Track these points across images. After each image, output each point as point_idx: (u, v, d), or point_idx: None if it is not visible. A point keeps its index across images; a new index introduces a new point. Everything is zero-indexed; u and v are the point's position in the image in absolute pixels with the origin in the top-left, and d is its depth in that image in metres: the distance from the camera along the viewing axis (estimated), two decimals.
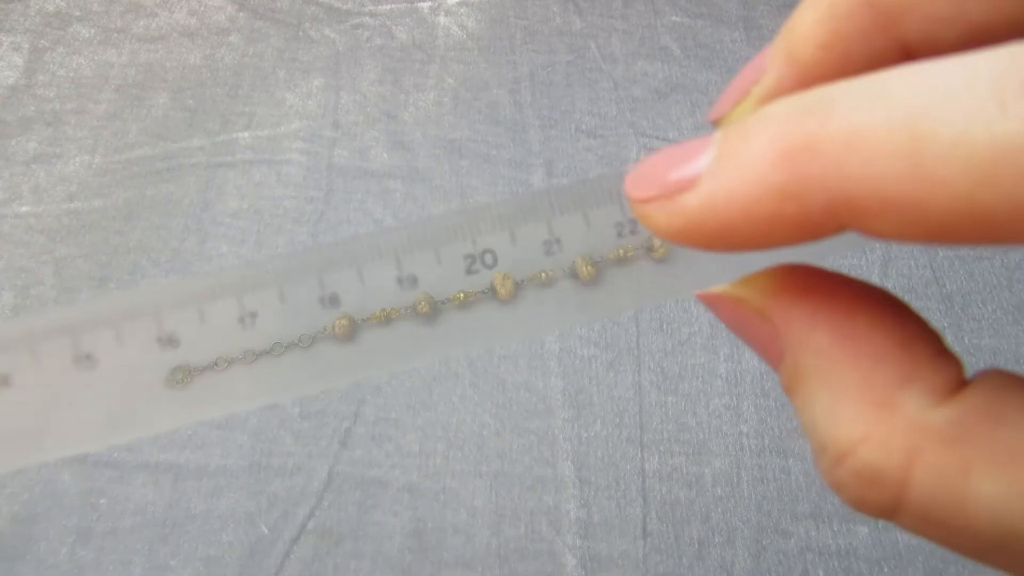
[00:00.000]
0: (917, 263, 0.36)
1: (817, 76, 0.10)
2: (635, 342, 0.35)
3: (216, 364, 0.36)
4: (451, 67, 0.44)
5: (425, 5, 0.47)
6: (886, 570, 0.30)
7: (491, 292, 0.40)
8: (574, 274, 0.40)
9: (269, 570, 0.30)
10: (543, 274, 0.41)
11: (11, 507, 0.31)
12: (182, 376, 0.36)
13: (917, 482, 0.09)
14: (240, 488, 0.32)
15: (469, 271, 0.18)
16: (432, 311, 0.39)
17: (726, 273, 0.17)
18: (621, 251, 0.38)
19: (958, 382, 0.09)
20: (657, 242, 0.38)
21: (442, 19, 0.46)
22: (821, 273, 0.11)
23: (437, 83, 0.44)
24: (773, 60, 0.11)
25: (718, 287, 0.12)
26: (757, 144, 0.09)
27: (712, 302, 0.12)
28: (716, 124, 0.12)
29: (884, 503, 0.10)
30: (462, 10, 0.47)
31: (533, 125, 0.42)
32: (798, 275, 0.11)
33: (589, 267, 0.41)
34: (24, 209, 0.39)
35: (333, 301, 0.18)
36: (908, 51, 0.10)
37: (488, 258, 0.18)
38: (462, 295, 0.40)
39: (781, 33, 0.11)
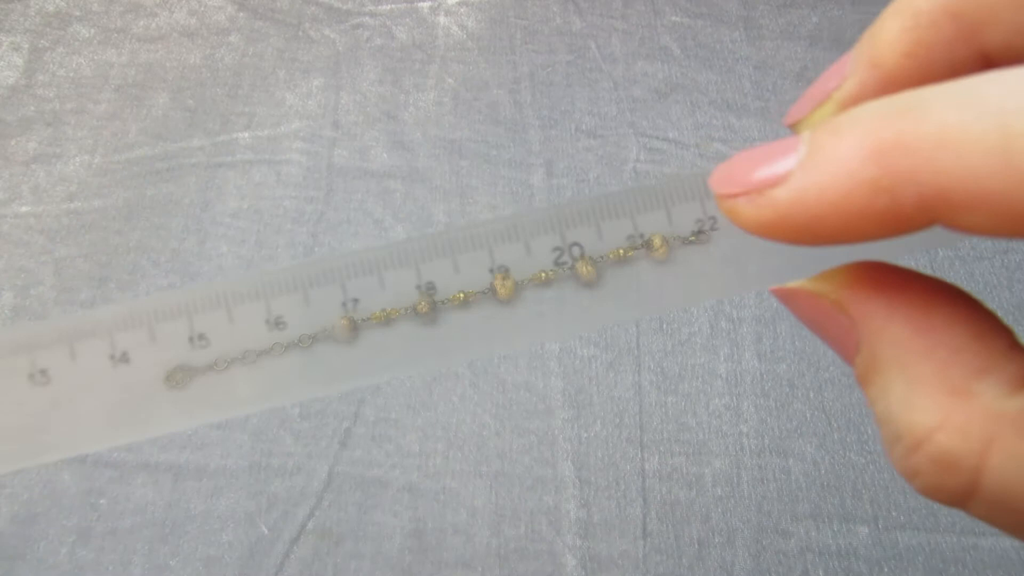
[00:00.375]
0: (917, 263, 0.36)
1: (900, 83, 0.10)
2: (635, 342, 0.35)
3: (216, 364, 0.36)
4: (451, 67, 0.44)
5: (425, 5, 0.47)
6: (886, 570, 0.30)
7: (491, 292, 0.40)
8: (574, 275, 0.39)
9: (269, 570, 0.30)
10: (543, 274, 0.40)
11: (11, 507, 0.31)
12: (181, 376, 0.35)
13: (993, 468, 0.09)
14: (240, 488, 0.32)
15: (557, 263, 0.18)
16: (432, 311, 0.39)
17: (726, 274, 0.17)
18: (621, 251, 0.38)
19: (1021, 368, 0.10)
20: (657, 242, 0.38)
21: (442, 19, 0.46)
22: (896, 269, 0.11)
23: (437, 83, 0.44)
24: (856, 66, 0.11)
25: (794, 282, 0.12)
26: (849, 142, 0.09)
27: (788, 296, 0.13)
28: (792, 128, 0.12)
29: (959, 489, 0.10)
30: (462, 10, 0.47)
31: (533, 125, 0.42)
32: (874, 271, 0.11)
33: (589, 267, 0.41)
34: (24, 209, 0.39)
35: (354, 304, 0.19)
36: (988, 60, 0.10)
37: (575, 250, 0.17)
38: (462, 295, 0.39)
39: (863, 41, 0.11)
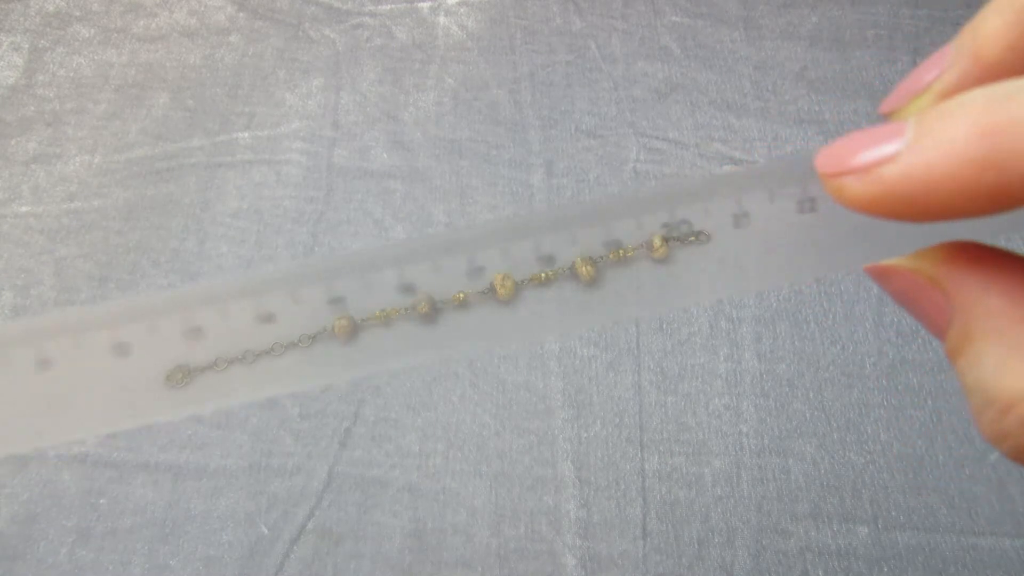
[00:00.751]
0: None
1: (1000, 74, 0.11)
2: (635, 342, 0.35)
3: (216, 364, 0.36)
4: (451, 67, 0.44)
5: (425, 5, 0.47)
6: (886, 570, 0.30)
7: (491, 292, 0.40)
8: (574, 275, 0.39)
9: (269, 570, 0.30)
10: (543, 274, 0.40)
11: (11, 507, 0.31)
12: (181, 376, 0.35)
13: None
14: (240, 488, 0.32)
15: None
16: (432, 311, 0.39)
17: (724, 273, 0.17)
18: (620, 251, 0.38)
19: None
20: (657, 242, 0.38)
21: (442, 19, 0.46)
22: (988, 248, 0.11)
23: (437, 83, 0.44)
24: (958, 58, 0.12)
25: (890, 260, 0.13)
26: (958, 123, 0.10)
27: (882, 273, 0.14)
28: (888, 116, 0.13)
29: (1007, 418, 0.10)
30: (462, 10, 0.47)
31: (533, 125, 0.42)
32: (967, 249, 0.12)
33: (589, 267, 0.41)
34: (24, 209, 0.39)
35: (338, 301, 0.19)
36: None
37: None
38: (462, 295, 0.39)
39: (964, 34, 0.12)
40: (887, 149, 0.10)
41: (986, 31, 0.11)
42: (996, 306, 0.11)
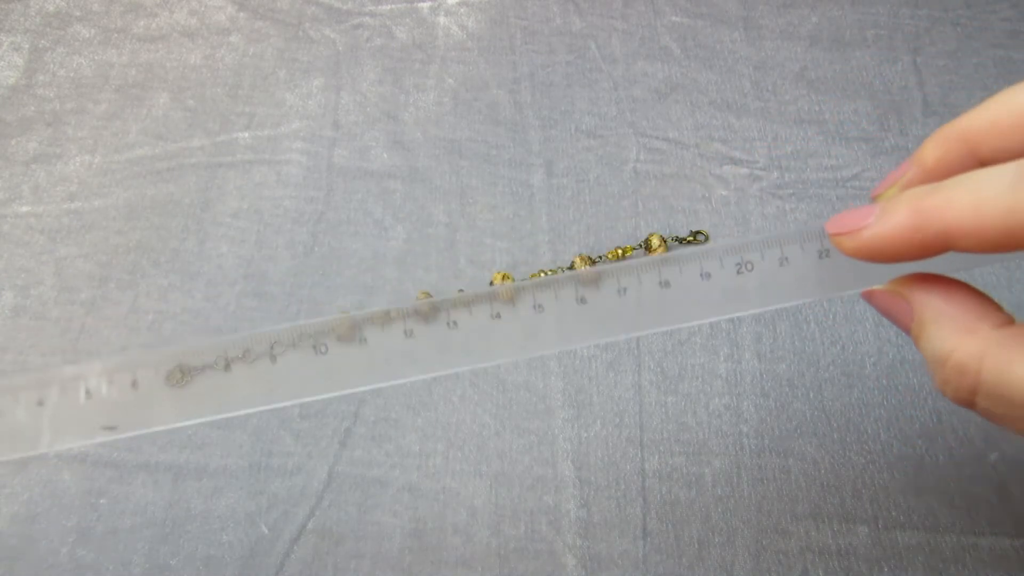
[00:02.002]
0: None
1: (934, 177, 0.19)
2: (635, 342, 0.35)
3: (216, 363, 0.36)
4: (451, 67, 0.44)
5: (425, 5, 0.47)
6: (886, 570, 0.30)
7: (491, 292, 0.40)
8: (574, 274, 0.39)
9: (269, 570, 0.30)
10: (543, 274, 0.41)
11: (11, 507, 0.31)
12: (181, 376, 0.36)
13: (986, 369, 0.17)
14: (240, 488, 0.32)
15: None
16: (432, 311, 0.39)
17: (725, 269, 0.22)
18: (619, 251, 0.39)
19: (1009, 320, 0.18)
20: (656, 242, 0.39)
21: (442, 19, 0.46)
22: (931, 274, 0.19)
23: (437, 83, 0.44)
24: (911, 166, 0.20)
25: (876, 287, 0.21)
26: (902, 207, 0.17)
27: (871, 295, 0.21)
28: (875, 198, 0.20)
29: (969, 387, 0.17)
30: (462, 10, 0.47)
31: (533, 125, 0.42)
32: (919, 276, 0.19)
33: (588, 267, 0.41)
34: (24, 209, 0.39)
35: None
36: (982, 162, 0.18)
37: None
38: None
39: (914, 155, 0.20)
40: (865, 221, 0.18)
41: (926, 152, 0.19)
42: (936, 304, 0.19)
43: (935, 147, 0.19)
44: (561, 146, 0.41)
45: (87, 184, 0.40)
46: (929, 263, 0.18)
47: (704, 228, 0.38)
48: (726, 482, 0.32)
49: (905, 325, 0.20)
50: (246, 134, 0.42)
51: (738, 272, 0.21)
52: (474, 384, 0.34)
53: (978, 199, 0.16)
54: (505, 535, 0.31)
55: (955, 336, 0.18)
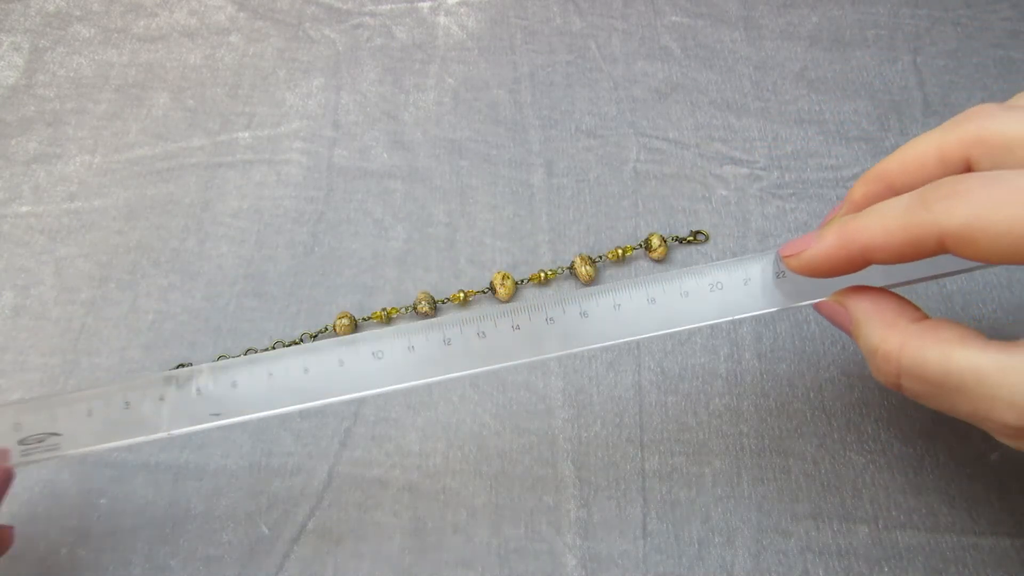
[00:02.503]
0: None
1: (860, 210, 0.23)
2: (635, 342, 0.35)
3: (217, 362, 0.36)
4: (451, 67, 0.44)
5: (425, 5, 0.47)
6: (886, 570, 0.30)
7: (490, 292, 0.40)
8: (573, 275, 0.40)
9: (269, 570, 0.30)
10: (542, 274, 0.41)
11: (11, 507, 0.31)
12: (182, 375, 0.36)
13: (904, 356, 0.21)
14: (240, 488, 0.32)
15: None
16: (432, 311, 0.39)
17: (721, 271, 0.27)
18: (619, 251, 0.39)
19: (923, 316, 0.22)
20: (656, 242, 0.39)
21: (442, 19, 0.46)
22: (862, 286, 0.24)
23: (437, 83, 0.44)
24: (844, 204, 0.24)
25: (823, 300, 0.25)
26: (832, 231, 0.22)
27: (818, 306, 0.26)
28: (823, 225, 0.24)
29: (894, 371, 0.22)
30: (462, 10, 0.47)
31: (533, 125, 0.42)
32: (853, 288, 0.24)
33: (588, 267, 0.41)
34: (24, 209, 0.39)
35: None
36: (898, 195, 0.22)
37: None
38: (462, 295, 0.40)
39: (847, 196, 0.24)
40: (807, 245, 0.23)
41: (855, 190, 0.24)
42: (866, 307, 0.23)
43: (861, 186, 0.24)
44: (561, 146, 0.41)
45: (87, 184, 0.40)
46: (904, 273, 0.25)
47: (704, 228, 0.38)
48: (726, 482, 0.32)
49: (846, 328, 0.24)
50: (246, 134, 0.42)
51: (711, 290, 0.26)
52: (474, 384, 0.34)
53: (884, 220, 0.21)
54: (505, 535, 0.31)
55: (881, 331, 0.22)
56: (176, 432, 0.25)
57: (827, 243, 0.22)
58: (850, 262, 0.22)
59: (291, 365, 0.25)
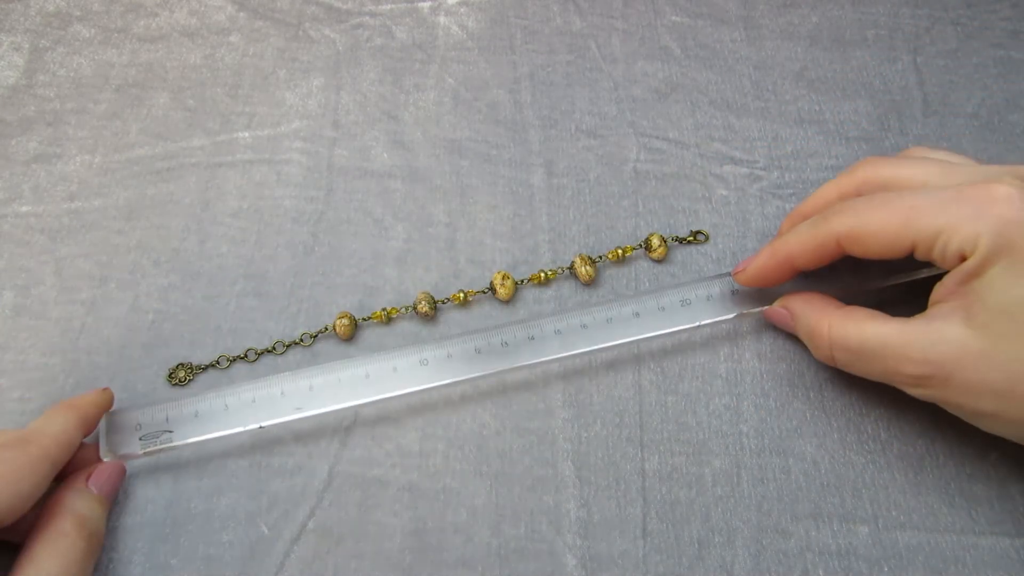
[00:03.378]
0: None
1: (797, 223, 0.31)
2: (635, 343, 0.35)
3: (218, 362, 0.36)
4: (451, 67, 0.44)
5: (425, 5, 0.47)
6: (886, 570, 0.30)
7: (491, 292, 0.40)
8: (573, 274, 0.40)
9: (269, 569, 0.30)
10: (542, 274, 0.41)
11: None
12: (184, 374, 0.36)
13: (832, 333, 0.29)
14: (240, 488, 0.32)
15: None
16: (432, 311, 0.39)
17: (688, 291, 0.34)
18: (619, 251, 0.40)
19: (843, 306, 0.30)
20: (656, 242, 0.39)
21: (442, 19, 0.46)
22: (799, 292, 0.33)
23: (437, 83, 0.44)
24: (781, 228, 0.35)
25: (769, 307, 0.33)
26: (764, 250, 0.31)
27: (768, 313, 0.34)
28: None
29: (827, 346, 0.30)
30: (462, 10, 0.47)
31: (533, 125, 0.42)
32: (792, 293, 0.33)
33: (588, 267, 0.41)
34: (24, 209, 0.39)
35: None
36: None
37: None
38: (462, 294, 0.40)
39: (778, 231, 0.35)
40: (749, 263, 0.32)
41: (783, 226, 0.34)
42: (801, 304, 0.32)
43: (787, 223, 0.34)
44: (561, 146, 0.41)
45: (87, 184, 0.40)
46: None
47: (704, 228, 0.38)
48: (726, 482, 0.32)
49: (789, 326, 0.33)
50: (246, 134, 0.42)
51: (681, 305, 0.34)
52: (474, 384, 0.34)
53: (799, 235, 0.30)
54: (505, 535, 0.31)
55: (814, 317, 0.30)
56: (266, 423, 0.31)
57: (762, 258, 0.31)
58: (779, 269, 0.31)
59: (356, 372, 0.32)
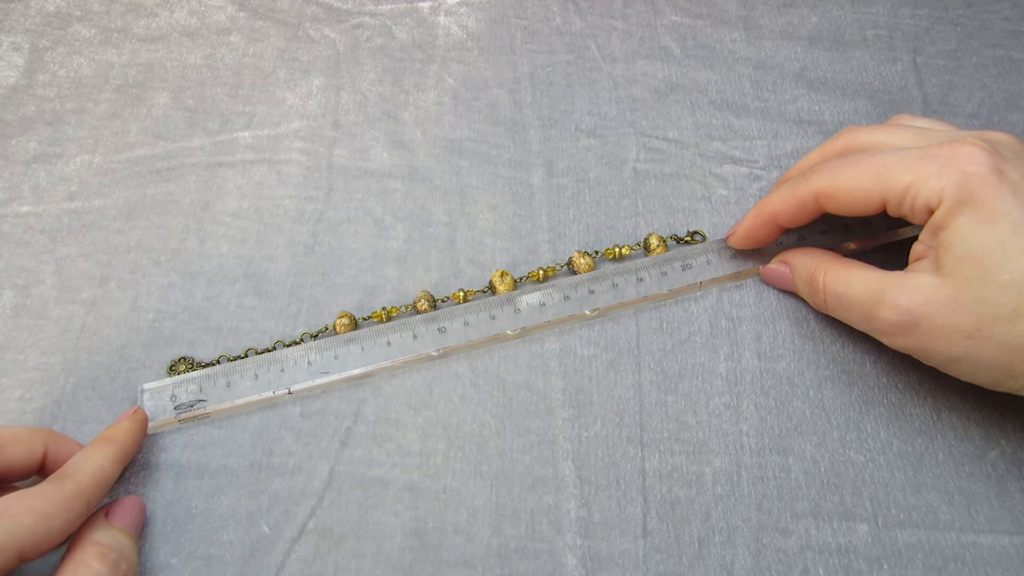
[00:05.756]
0: None
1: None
2: (635, 342, 0.35)
3: (218, 362, 0.36)
4: (451, 67, 0.44)
5: (425, 5, 0.47)
6: (886, 568, 0.30)
7: (490, 291, 0.40)
8: (571, 270, 0.40)
9: (270, 569, 0.30)
10: (541, 271, 0.41)
11: None
12: (185, 368, 0.36)
13: (827, 282, 0.32)
14: (241, 487, 0.32)
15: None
16: (432, 310, 0.39)
17: (690, 256, 0.37)
18: (617, 249, 0.40)
19: (837, 257, 0.33)
20: (655, 242, 0.39)
21: (442, 19, 0.46)
22: (797, 247, 0.35)
23: (437, 83, 0.44)
24: (769, 194, 0.34)
25: (767, 265, 0.36)
26: (750, 212, 0.34)
27: (766, 271, 0.36)
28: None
29: (821, 294, 0.33)
30: (462, 10, 0.47)
31: (533, 125, 0.42)
32: (788, 249, 0.35)
33: (585, 258, 0.41)
34: (24, 209, 0.39)
35: None
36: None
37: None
38: (462, 293, 0.40)
39: (770, 192, 0.35)
40: (738, 226, 0.35)
41: (777, 184, 0.36)
42: (798, 256, 0.34)
43: (773, 189, 0.35)
44: (561, 146, 0.41)
45: (87, 184, 0.40)
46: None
47: (704, 227, 0.38)
48: (726, 481, 0.32)
49: (787, 282, 0.35)
50: (246, 134, 0.42)
51: (683, 269, 0.36)
52: (474, 384, 0.34)
53: (781, 193, 0.32)
54: (505, 535, 0.31)
55: (811, 266, 0.33)
56: (296, 387, 0.33)
57: (749, 219, 0.34)
58: (765, 228, 0.33)
59: (378, 340, 0.34)
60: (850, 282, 0.31)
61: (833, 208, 0.30)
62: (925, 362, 0.30)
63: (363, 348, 0.34)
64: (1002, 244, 0.26)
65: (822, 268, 0.32)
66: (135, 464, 0.32)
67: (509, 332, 0.35)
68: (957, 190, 0.27)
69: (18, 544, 0.24)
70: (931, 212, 0.28)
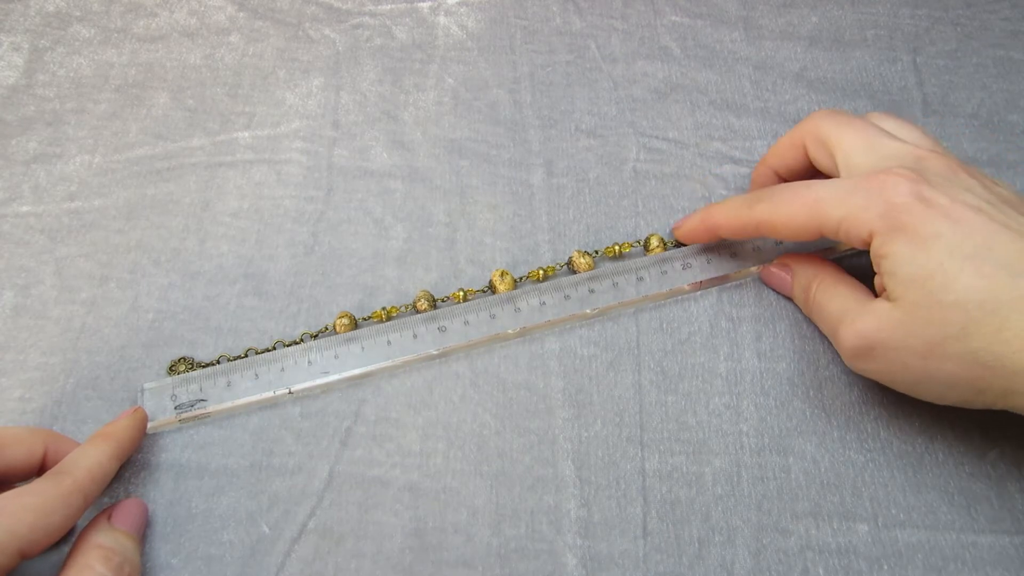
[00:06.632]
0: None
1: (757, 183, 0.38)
2: (635, 342, 0.35)
3: (218, 362, 0.36)
4: (451, 67, 0.44)
5: (425, 5, 0.47)
6: (886, 568, 0.30)
7: (490, 291, 0.40)
8: (571, 269, 0.40)
9: (270, 569, 0.30)
10: (541, 271, 0.41)
11: None
12: (185, 368, 0.36)
13: (817, 292, 0.33)
14: (241, 487, 0.32)
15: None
16: (432, 309, 0.39)
17: (690, 257, 0.37)
18: (617, 247, 0.40)
19: (837, 269, 0.34)
20: (655, 242, 0.39)
21: (442, 19, 0.46)
22: (795, 254, 0.36)
23: (437, 83, 0.44)
24: (752, 178, 0.39)
25: (767, 265, 0.36)
26: (698, 213, 0.35)
27: (766, 272, 0.36)
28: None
29: (807, 303, 0.34)
30: (462, 10, 0.47)
31: (533, 125, 0.42)
32: (788, 255, 0.36)
33: (585, 258, 0.41)
34: (24, 209, 0.39)
35: None
36: (782, 178, 0.37)
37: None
38: (462, 293, 0.40)
39: (752, 177, 0.39)
40: (685, 221, 0.36)
41: (755, 171, 0.38)
42: (800, 264, 0.34)
43: (754, 172, 0.38)
44: (561, 146, 0.41)
45: (87, 184, 0.40)
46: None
47: None
48: (726, 481, 0.32)
49: (787, 287, 0.35)
50: (246, 134, 0.42)
51: (683, 268, 0.36)
52: (475, 384, 0.34)
53: (726, 211, 0.33)
54: (505, 535, 0.31)
55: (808, 275, 0.34)
56: (296, 387, 0.33)
57: (695, 220, 0.35)
58: (707, 233, 0.35)
59: (378, 340, 0.34)
60: (831, 298, 0.32)
61: (776, 237, 0.32)
62: (892, 387, 0.30)
63: (363, 348, 0.34)
64: (941, 266, 0.26)
65: (817, 279, 0.33)
66: (135, 464, 0.32)
67: (509, 331, 0.35)
68: (885, 221, 0.28)
69: (18, 542, 0.24)
70: (867, 243, 0.29)
